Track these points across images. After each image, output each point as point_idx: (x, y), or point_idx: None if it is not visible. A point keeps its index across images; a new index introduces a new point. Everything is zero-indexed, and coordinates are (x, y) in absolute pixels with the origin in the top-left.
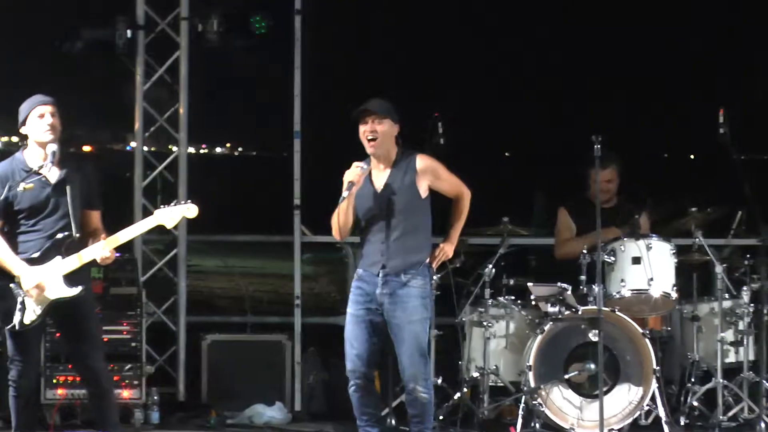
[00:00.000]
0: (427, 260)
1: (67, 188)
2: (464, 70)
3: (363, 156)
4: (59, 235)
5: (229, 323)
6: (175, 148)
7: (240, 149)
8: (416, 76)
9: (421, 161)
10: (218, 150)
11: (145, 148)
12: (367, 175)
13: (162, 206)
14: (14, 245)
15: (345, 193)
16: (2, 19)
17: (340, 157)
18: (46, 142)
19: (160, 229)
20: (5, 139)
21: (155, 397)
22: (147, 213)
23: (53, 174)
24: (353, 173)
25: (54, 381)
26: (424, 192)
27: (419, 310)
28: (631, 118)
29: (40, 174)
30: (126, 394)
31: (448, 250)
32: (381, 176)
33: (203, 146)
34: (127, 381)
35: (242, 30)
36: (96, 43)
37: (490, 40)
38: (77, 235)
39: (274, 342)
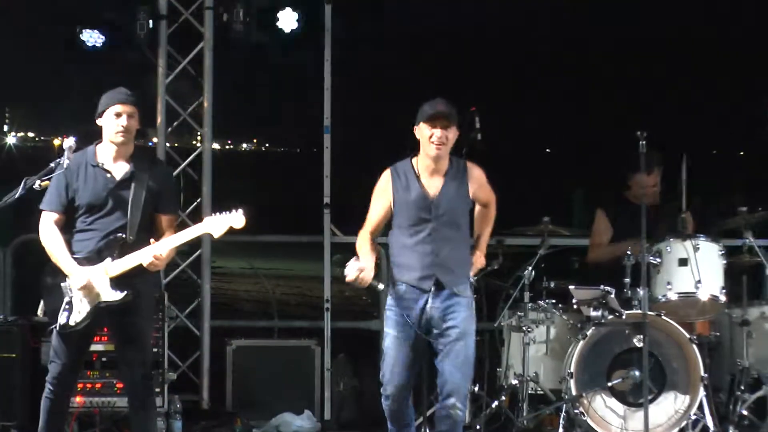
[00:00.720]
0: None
1: (132, 187)
2: (503, 62)
3: (394, 156)
4: (113, 237)
5: (256, 328)
6: (198, 144)
7: (267, 145)
8: (452, 69)
9: (473, 169)
10: (244, 146)
11: (168, 144)
12: (415, 177)
13: (212, 216)
14: (71, 243)
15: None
16: (16, 14)
17: (373, 154)
18: (118, 144)
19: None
20: (21, 134)
21: (178, 405)
22: None
23: (119, 170)
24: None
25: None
26: (472, 202)
27: (471, 323)
28: (677, 113)
29: (107, 170)
30: None
31: (483, 259)
32: (433, 182)
33: (228, 142)
34: None
35: (270, 20)
36: (116, 34)
37: (530, 31)
38: (132, 237)
39: (303, 348)
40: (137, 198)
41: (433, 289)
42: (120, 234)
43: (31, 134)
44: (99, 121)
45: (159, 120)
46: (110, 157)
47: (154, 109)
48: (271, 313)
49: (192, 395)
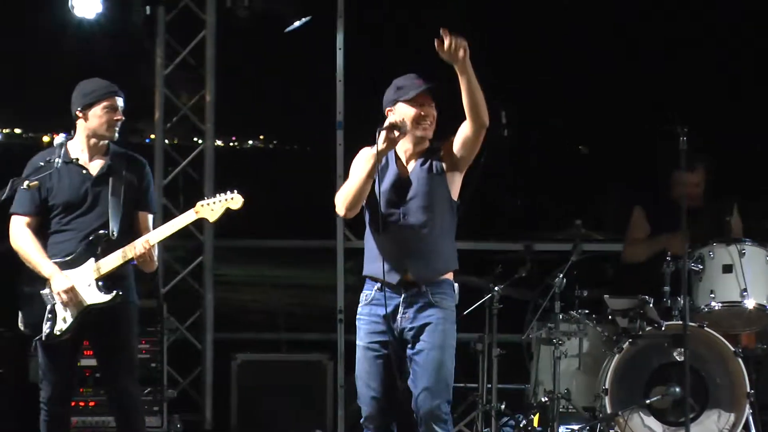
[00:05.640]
0: (452, 277)
1: (110, 182)
2: (531, 52)
3: None
4: (96, 235)
5: (262, 341)
6: (200, 141)
7: (275, 142)
8: (475, 58)
9: (445, 146)
10: (250, 143)
11: (166, 141)
12: (393, 152)
13: (205, 199)
14: (46, 246)
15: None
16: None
17: None
18: (108, 138)
19: (183, 234)
20: (6, 130)
21: (178, 425)
22: (168, 214)
23: (95, 166)
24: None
25: None
26: (454, 189)
27: (448, 336)
28: (720, 105)
29: (82, 166)
30: None
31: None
32: (409, 163)
33: (233, 139)
34: (146, 407)
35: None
36: (110, 21)
37: (559, 18)
38: (115, 233)
39: (314, 362)
40: (117, 194)
41: (403, 292)
42: (103, 231)
43: (17, 131)
44: (84, 113)
45: (157, 115)
46: (85, 152)
47: (151, 103)
48: (279, 324)
49: (194, 414)
